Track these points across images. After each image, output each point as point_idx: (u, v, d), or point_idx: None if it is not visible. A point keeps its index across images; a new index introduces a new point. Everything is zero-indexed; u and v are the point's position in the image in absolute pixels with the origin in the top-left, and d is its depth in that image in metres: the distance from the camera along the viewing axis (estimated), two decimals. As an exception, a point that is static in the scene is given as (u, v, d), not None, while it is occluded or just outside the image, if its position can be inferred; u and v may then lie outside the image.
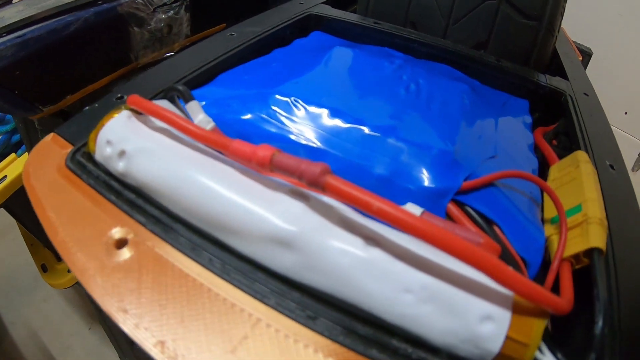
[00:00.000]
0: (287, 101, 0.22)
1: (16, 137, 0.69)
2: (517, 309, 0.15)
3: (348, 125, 0.21)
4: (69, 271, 0.61)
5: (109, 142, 0.20)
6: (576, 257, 0.20)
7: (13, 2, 0.39)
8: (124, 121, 0.21)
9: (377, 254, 0.15)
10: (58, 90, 0.34)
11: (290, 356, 0.14)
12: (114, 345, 0.57)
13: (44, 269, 0.63)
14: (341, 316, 0.15)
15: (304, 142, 0.21)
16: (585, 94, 0.36)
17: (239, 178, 0.17)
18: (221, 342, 0.14)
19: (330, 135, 0.21)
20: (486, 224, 0.20)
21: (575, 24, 0.85)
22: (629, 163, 1.02)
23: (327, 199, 0.17)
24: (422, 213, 0.18)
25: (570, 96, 0.34)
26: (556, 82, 0.35)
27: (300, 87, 0.24)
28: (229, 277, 0.16)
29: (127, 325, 0.15)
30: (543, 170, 0.28)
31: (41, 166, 0.22)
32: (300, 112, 0.22)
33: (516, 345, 0.15)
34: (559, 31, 0.38)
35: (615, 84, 0.90)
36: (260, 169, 0.16)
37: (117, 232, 0.18)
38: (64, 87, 0.34)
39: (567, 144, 0.32)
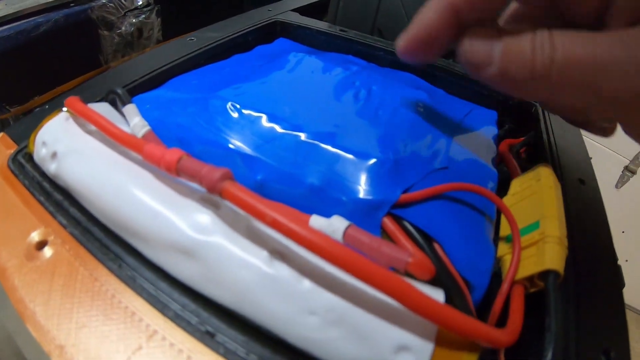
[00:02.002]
0: (225, 106, 0.23)
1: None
2: (441, 340, 0.14)
3: (284, 131, 0.22)
4: None
5: (44, 143, 0.21)
6: (530, 279, 0.18)
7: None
8: (60, 123, 0.21)
9: (281, 270, 0.15)
10: (25, 91, 0.35)
11: None
12: None
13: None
14: (242, 335, 0.15)
15: (237, 148, 0.21)
16: (559, 104, 0.35)
17: (154, 183, 0.18)
18: (115, 352, 0.15)
19: (263, 142, 0.21)
20: (425, 241, 0.19)
21: None
22: (612, 180, 1.01)
23: (238, 210, 0.17)
24: (347, 227, 0.16)
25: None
26: (528, 92, 0.35)
27: (242, 92, 0.24)
28: (134, 284, 0.16)
29: (33, 325, 0.16)
30: (506, 184, 0.28)
31: (-15, 165, 0.23)
32: (237, 118, 0.22)
33: None
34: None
35: None
36: (168, 172, 0.16)
37: (38, 234, 0.19)
38: (31, 88, 0.36)
39: (534, 157, 0.31)
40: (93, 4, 0.36)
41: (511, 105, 0.34)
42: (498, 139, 0.31)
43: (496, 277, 0.20)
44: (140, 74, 0.27)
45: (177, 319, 0.15)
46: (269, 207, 0.14)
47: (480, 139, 0.30)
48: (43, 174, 0.21)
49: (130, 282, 0.16)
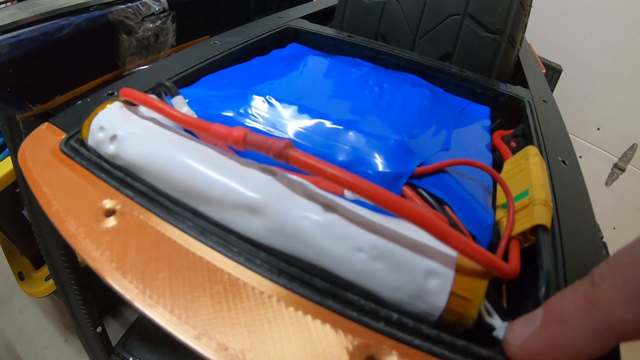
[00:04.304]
0: (261, 99, 0.27)
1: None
2: (460, 269, 0.19)
3: (314, 120, 0.26)
4: (46, 279, 0.64)
5: (101, 128, 0.25)
6: (523, 234, 0.23)
7: (5, 5, 0.44)
8: (116, 110, 0.25)
9: (333, 218, 0.19)
10: (47, 90, 0.39)
11: (256, 304, 0.18)
12: (90, 356, 0.59)
13: (20, 277, 0.65)
14: (301, 273, 0.19)
15: (275, 134, 0.26)
16: (544, 101, 0.42)
17: (215, 156, 0.22)
18: (196, 291, 0.18)
19: (298, 128, 0.26)
20: (438, 203, 0.25)
21: (549, 44, 0.95)
22: (602, 178, 1.10)
23: (292, 175, 0.21)
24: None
25: (529, 102, 0.39)
26: (516, 90, 0.41)
27: (274, 88, 0.29)
28: (204, 239, 0.20)
29: (113, 277, 0.19)
30: (499, 168, 0.33)
31: (36, 150, 0.26)
32: (272, 109, 0.27)
33: (461, 300, 0.18)
34: (521, 44, 0.45)
35: (587, 101, 0.99)
36: (235, 146, 0.20)
37: (106, 203, 0.22)
38: (53, 87, 0.39)
39: (524, 145, 0.37)
40: (112, 9, 0.40)
41: (502, 102, 0.40)
42: (491, 131, 0.37)
43: (497, 237, 0.25)
44: (173, 72, 0.31)
45: (248, 263, 0.19)
46: (328, 166, 0.18)
47: (476, 129, 0.35)
48: (99, 155, 0.25)
49: (202, 238, 0.20)
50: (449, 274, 0.18)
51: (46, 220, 0.20)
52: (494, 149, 0.35)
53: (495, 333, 0.18)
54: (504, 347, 0.17)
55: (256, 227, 0.19)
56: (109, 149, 0.24)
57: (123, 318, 0.70)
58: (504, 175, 0.30)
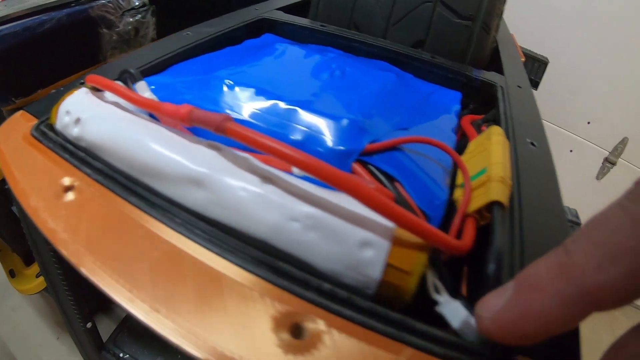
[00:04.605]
0: (221, 83, 0.28)
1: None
2: (397, 241, 0.19)
3: (270, 101, 0.27)
4: (37, 276, 0.65)
5: (67, 112, 0.26)
6: (479, 212, 0.23)
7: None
8: (82, 95, 0.27)
9: (269, 189, 0.20)
10: (30, 83, 0.40)
11: (191, 270, 0.19)
12: (81, 353, 0.60)
13: (11, 274, 0.67)
14: (237, 242, 0.20)
15: (233, 115, 0.27)
16: (518, 86, 0.42)
17: (167, 135, 0.23)
18: (137, 257, 0.19)
19: (254, 109, 0.27)
20: (388, 180, 0.25)
21: (537, 36, 0.95)
22: (593, 172, 1.09)
23: (241, 153, 0.22)
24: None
25: (502, 87, 0.40)
26: (490, 75, 0.41)
27: (236, 73, 0.30)
28: (153, 211, 0.21)
29: (61, 246, 0.20)
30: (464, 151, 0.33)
31: (9, 136, 0.27)
32: (231, 92, 0.28)
33: (398, 272, 0.18)
34: (497, 31, 0.45)
35: (578, 95, 0.99)
36: (183, 122, 0.21)
37: (65, 180, 0.23)
38: (35, 81, 0.41)
39: (494, 129, 0.37)
40: (93, 3, 0.42)
41: (474, 87, 0.41)
42: (462, 116, 0.37)
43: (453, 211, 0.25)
44: (144, 61, 0.33)
45: (186, 232, 0.20)
46: (264, 138, 0.19)
47: (442, 113, 0.35)
48: (65, 138, 0.26)
49: (150, 210, 0.21)
50: (384, 244, 0.18)
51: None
52: (463, 134, 0.36)
53: (437, 308, 0.18)
54: (476, 322, 0.16)
55: (199, 200, 0.21)
56: (74, 132, 0.25)
57: (115, 315, 0.72)
58: (466, 155, 0.30)
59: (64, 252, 0.20)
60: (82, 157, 0.24)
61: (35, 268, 0.65)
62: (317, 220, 0.19)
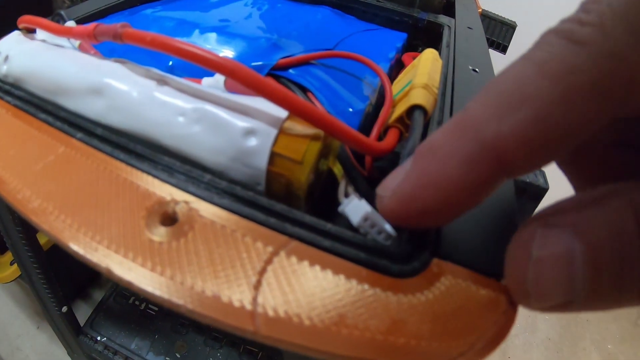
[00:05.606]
0: (147, 19, 0.30)
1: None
2: (287, 129, 0.18)
3: (187, 29, 0.28)
4: (11, 263, 0.65)
5: (-1, 54, 0.28)
6: (401, 121, 0.23)
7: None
8: (14, 37, 0.28)
9: (163, 90, 0.20)
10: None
11: (76, 168, 0.19)
12: (61, 342, 0.61)
13: (-16, 263, 0.67)
14: (126, 141, 0.20)
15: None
16: (469, 27, 0.42)
17: (77, 55, 0.24)
18: (33, 161, 0.20)
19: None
20: (301, 91, 0.25)
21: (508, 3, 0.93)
22: None
23: (152, 69, 0.23)
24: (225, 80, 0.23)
25: (449, 27, 0.40)
26: (439, 18, 0.41)
27: (160, 10, 0.31)
28: (55, 122, 0.22)
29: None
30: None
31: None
32: (153, 24, 0.29)
33: (286, 162, 0.18)
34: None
35: None
36: (90, 39, 0.22)
37: (-14, 109, 0.25)
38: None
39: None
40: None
41: (421, 28, 0.41)
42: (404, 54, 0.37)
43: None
44: (82, 13, 0.34)
45: (84, 139, 0.20)
46: (159, 37, 0.19)
47: (379, 45, 0.35)
48: (-3, 78, 0.28)
49: (59, 125, 0.22)
50: (271, 131, 0.18)
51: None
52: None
53: (340, 208, 0.17)
54: (377, 205, 0.15)
55: (99, 108, 0.21)
56: (3, 69, 0.27)
57: (92, 300, 0.72)
58: (397, 79, 0.30)
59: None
60: (8, 89, 0.26)
61: (9, 256, 0.66)
62: (203, 113, 0.19)
